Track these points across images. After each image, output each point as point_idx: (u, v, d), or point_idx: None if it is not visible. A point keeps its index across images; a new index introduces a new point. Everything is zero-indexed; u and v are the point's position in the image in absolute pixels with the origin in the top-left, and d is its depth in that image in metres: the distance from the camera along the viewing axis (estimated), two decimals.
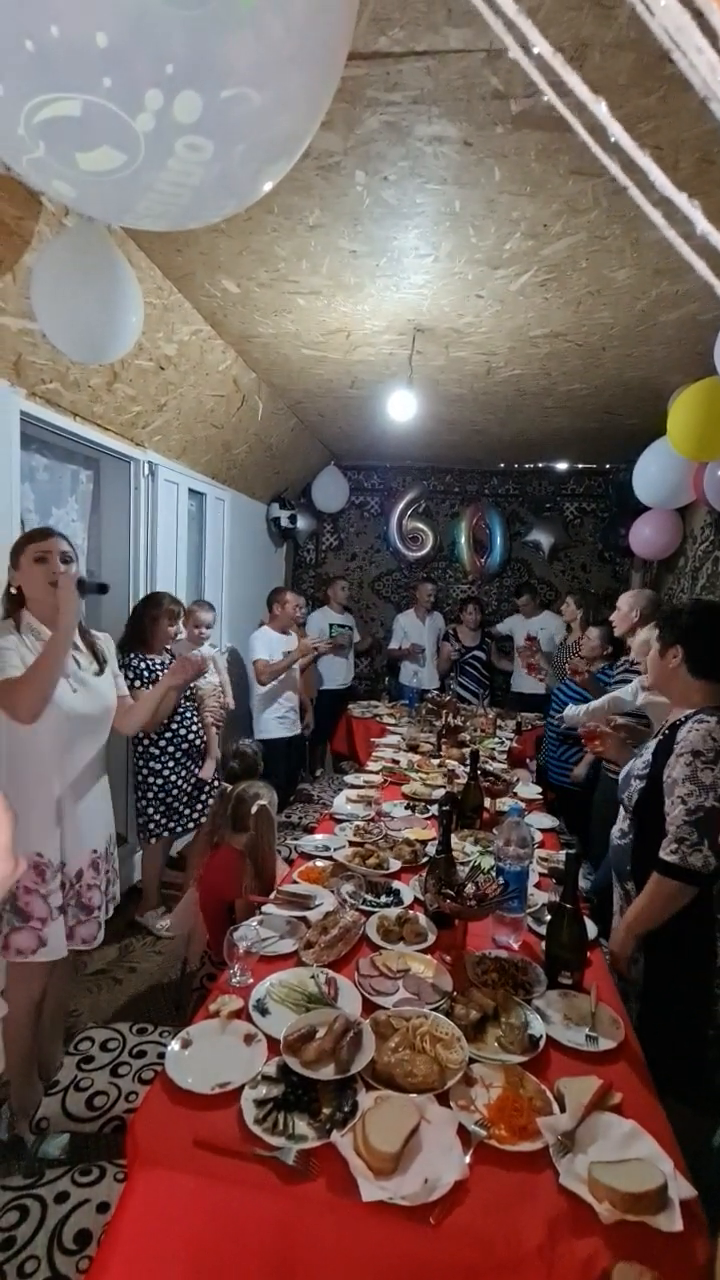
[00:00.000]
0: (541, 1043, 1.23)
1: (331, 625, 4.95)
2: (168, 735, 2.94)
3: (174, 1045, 1.18)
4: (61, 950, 1.67)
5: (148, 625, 2.85)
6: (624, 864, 1.64)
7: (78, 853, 1.74)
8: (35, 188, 1.84)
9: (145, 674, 2.78)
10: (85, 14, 0.72)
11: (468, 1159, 0.98)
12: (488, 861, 1.91)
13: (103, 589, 1.90)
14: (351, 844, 2.11)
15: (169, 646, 2.95)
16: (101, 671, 1.83)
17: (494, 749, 3.45)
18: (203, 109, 0.81)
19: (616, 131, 0.34)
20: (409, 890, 1.84)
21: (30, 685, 1.53)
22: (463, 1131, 1.02)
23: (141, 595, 3.35)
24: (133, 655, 2.79)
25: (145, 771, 2.93)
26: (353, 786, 2.79)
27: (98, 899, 1.78)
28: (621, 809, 1.71)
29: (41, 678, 1.54)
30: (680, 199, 0.33)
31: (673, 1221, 0.89)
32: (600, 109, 0.35)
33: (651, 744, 1.64)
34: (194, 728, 3.06)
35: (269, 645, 3.75)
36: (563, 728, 2.01)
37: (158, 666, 2.83)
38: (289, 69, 0.85)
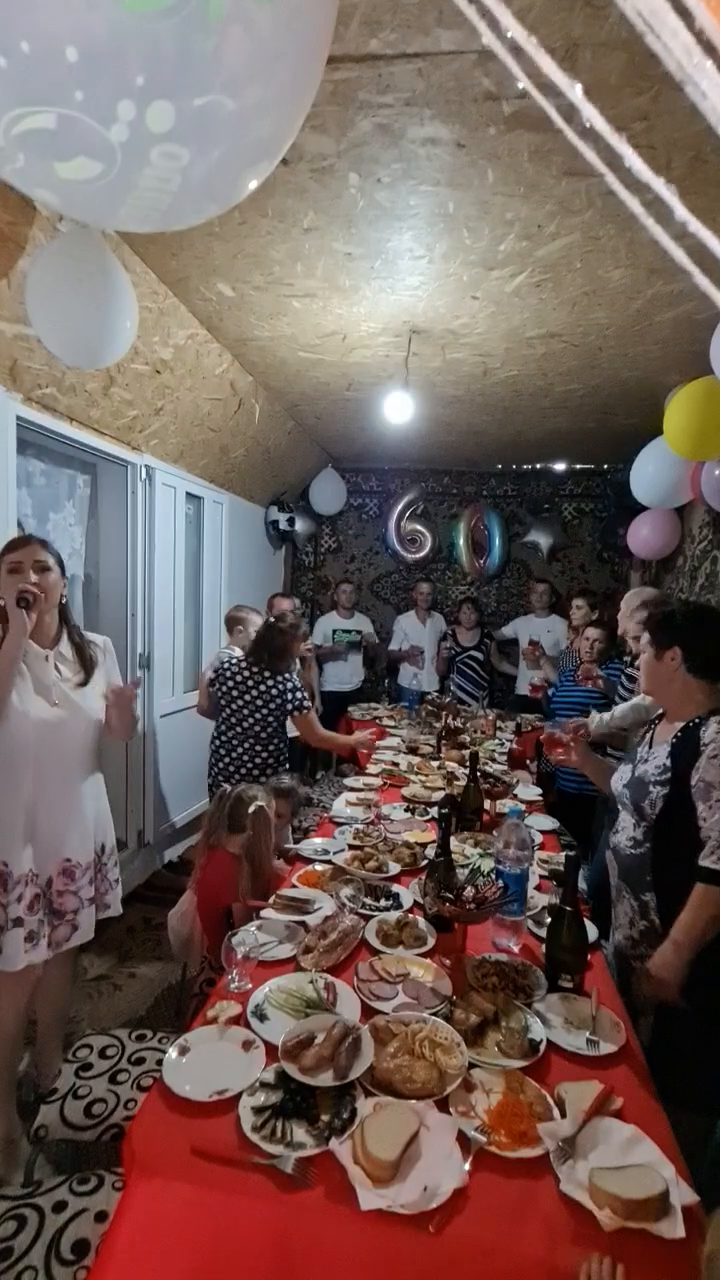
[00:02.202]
0: (542, 1047, 1.22)
1: (335, 631, 4.93)
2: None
3: (171, 1053, 1.18)
4: (16, 962, 1.64)
5: (289, 645, 2.81)
6: (641, 874, 1.55)
7: (48, 861, 1.73)
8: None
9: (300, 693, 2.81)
10: (54, 30, 0.74)
11: (467, 1166, 0.97)
12: (487, 864, 1.90)
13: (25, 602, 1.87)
14: (350, 847, 2.10)
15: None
16: (87, 682, 1.81)
17: (494, 751, 3.44)
18: (176, 118, 0.82)
19: (591, 114, 0.34)
20: (408, 894, 1.83)
21: None
22: (462, 1138, 1.01)
23: (141, 601, 3.35)
24: (285, 675, 2.79)
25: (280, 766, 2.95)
26: (352, 789, 2.78)
27: (72, 903, 1.77)
28: (627, 816, 1.62)
29: None
30: (658, 184, 0.33)
31: (675, 1228, 0.88)
32: (575, 93, 0.34)
33: (662, 748, 1.56)
34: None
35: None
36: (590, 738, 1.96)
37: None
38: (264, 74, 0.86)
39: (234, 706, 2.81)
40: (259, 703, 2.79)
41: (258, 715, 2.80)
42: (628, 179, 0.40)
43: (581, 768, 1.93)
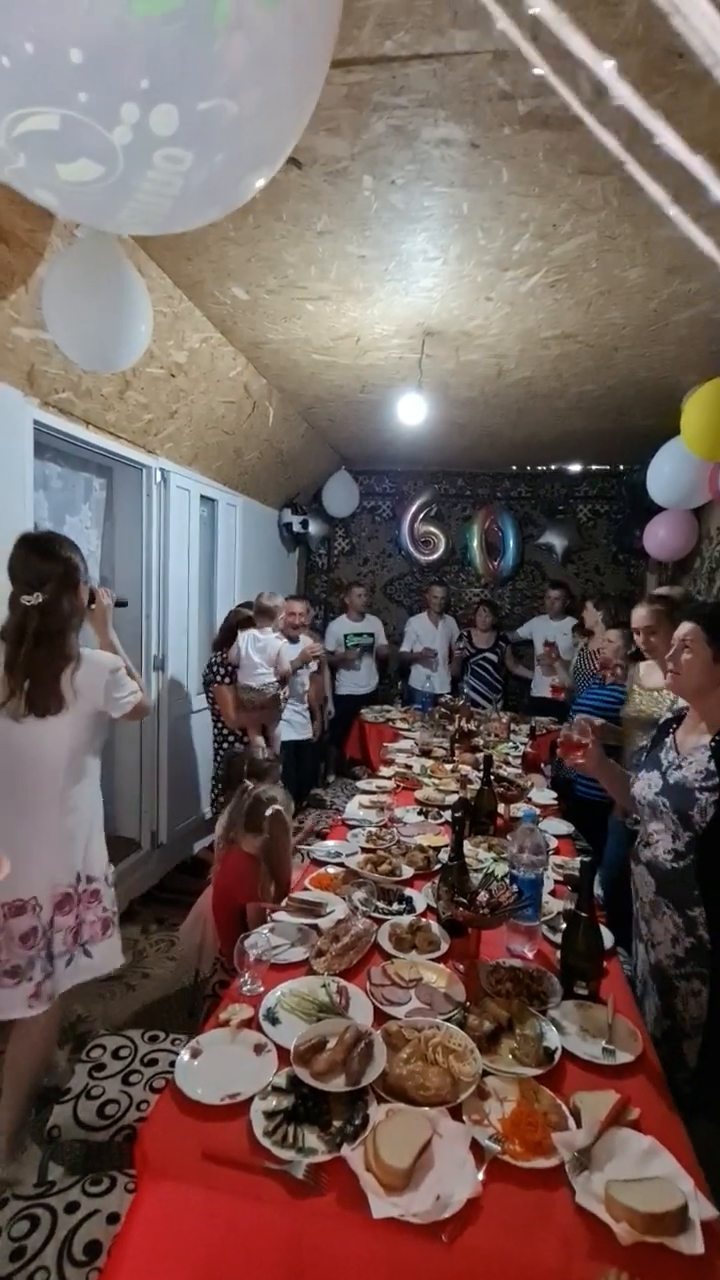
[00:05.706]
0: (557, 1055, 1.20)
1: (346, 635, 4.89)
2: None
3: (183, 1055, 1.17)
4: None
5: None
6: (687, 888, 1.44)
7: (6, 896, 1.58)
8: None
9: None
10: (59, 31, 0.74)
11: (481, 1175, 0.95)
12: (501, 868, 1.88)
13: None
14: (364, 850, 2.09)
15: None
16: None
17: (508, 754, 3.41)
18: (180, 121, 0.82)
19: (624, 94, 0.33)
20: (421, 898, 1.82)
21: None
22: (475, 1146, 1.00)
23: (155, 603, 3.38)
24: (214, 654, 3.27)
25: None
26: (365, 792, 2.77)
27: (22, 958, 1.59)
28: (660, 826, 1.51)
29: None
30: (695, 163, 0.32)
31: (694, 1244, 0.86)
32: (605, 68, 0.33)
33: (699, 752, 1.46)
34: None
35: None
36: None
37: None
38: (267, 78, 0.86)
39: None
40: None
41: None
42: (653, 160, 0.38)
43: (596, 774, 1.81)
